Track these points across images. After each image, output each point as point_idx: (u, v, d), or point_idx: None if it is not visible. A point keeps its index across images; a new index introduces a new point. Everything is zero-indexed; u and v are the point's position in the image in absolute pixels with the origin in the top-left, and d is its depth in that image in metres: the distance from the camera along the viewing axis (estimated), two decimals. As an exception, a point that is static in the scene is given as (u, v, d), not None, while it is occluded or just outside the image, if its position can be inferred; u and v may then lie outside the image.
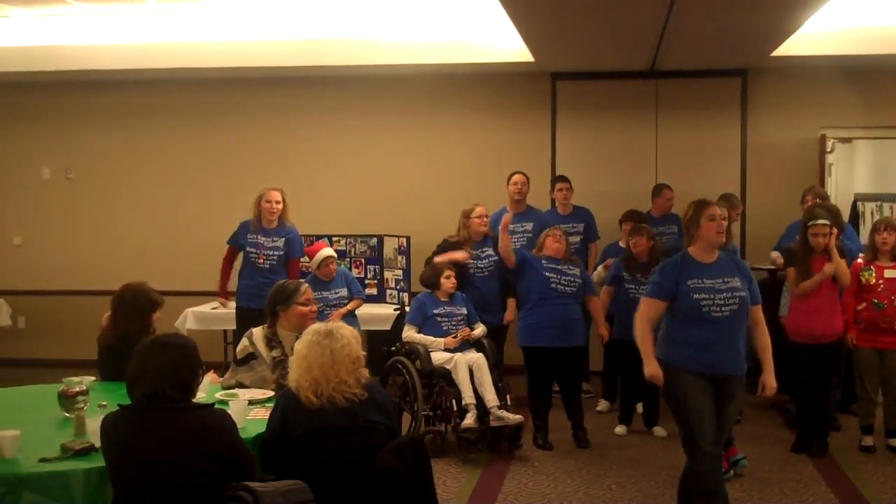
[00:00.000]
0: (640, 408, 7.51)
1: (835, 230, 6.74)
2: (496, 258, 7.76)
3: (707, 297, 4.95)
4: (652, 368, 4.98)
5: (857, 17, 8.33)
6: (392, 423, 4.34)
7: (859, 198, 10.97)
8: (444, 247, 7.70)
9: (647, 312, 5.07)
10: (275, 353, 5.21)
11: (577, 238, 8.51)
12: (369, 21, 8.89)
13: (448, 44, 8.86)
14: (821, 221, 6.75)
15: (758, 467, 6.63)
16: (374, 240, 9.27)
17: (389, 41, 8.90)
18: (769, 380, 5.08)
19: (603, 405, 8.09)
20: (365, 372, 4.31)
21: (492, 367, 6.90)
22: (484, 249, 7.74)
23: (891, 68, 8.93)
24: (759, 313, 5.15)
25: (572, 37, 7.72)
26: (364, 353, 4.37)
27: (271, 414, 4.23)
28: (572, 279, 7.07)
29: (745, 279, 5.08)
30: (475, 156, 9.61)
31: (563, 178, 8.70)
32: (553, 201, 8.89)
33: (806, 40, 8.29)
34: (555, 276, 7.03)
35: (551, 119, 9.59)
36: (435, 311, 7.10)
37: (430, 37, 8.87)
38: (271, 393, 4.94)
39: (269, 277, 7.46)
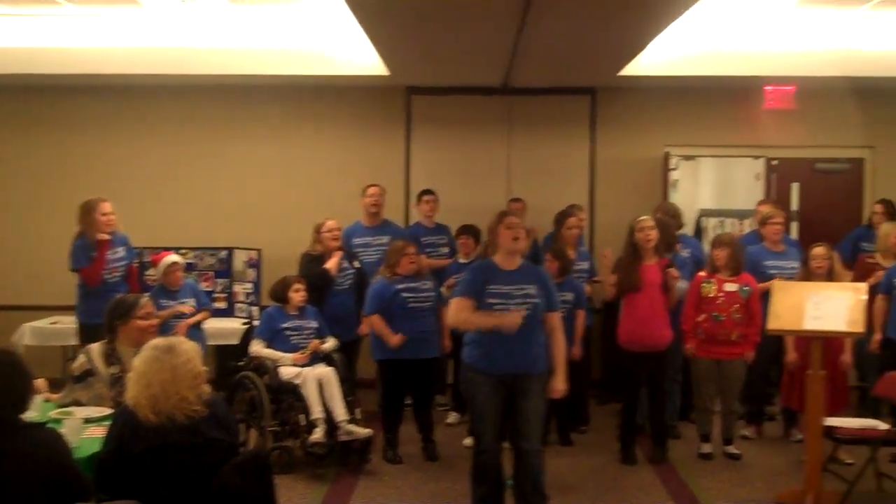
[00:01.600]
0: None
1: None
2: (352, 271, 7.74)
3: (500, 301, 5.30)
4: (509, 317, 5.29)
5: (699, 41, 8.65)
6: (234, 439, 4.26)
7: (703, 213, 11.39)
8: (308, 261, 7.64)
9: (459, 309, 5.40)
10: (113, 370, 5.04)
11: (445, 250, 8.56)
12: (218, 29, 8.70)
13: (301, 55, 8.77)
14: (644, 217, 7.05)
15: (600, 474, 6.81)
16: (224, 252, 9.11)
17: (241, 50, 8.74)
18: (558, 383, 5.46)
19: (453, 417, 8.15)
20: (206, 388, 4.21)
21: (342, 381, 6.86)
22: (340, 263, 7.72)
23: (730, 89, 9.30)
24: (556, 320, 5.51)
25: (426, 51, 7.78)
26: (207, 368, 4.28)
27: (108, 432, 4.09)
28: (427, 294, 7.10)
29: (543, 287, 5.42)
30: (329, 168, 9.56)
31: (430, 192, 8.73)
32: (406, 214, 8.93)
33: (651, 62, 8.57)
34: (411, 294, 7.04)
35: (406, 133, 9.64)
36: (284, 325, 7.03)
37: (283, 47, 8.75)
38: (109, 411, 4.78)
39: (117, 292, 7.22)
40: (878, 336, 7.31)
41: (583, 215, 8.52)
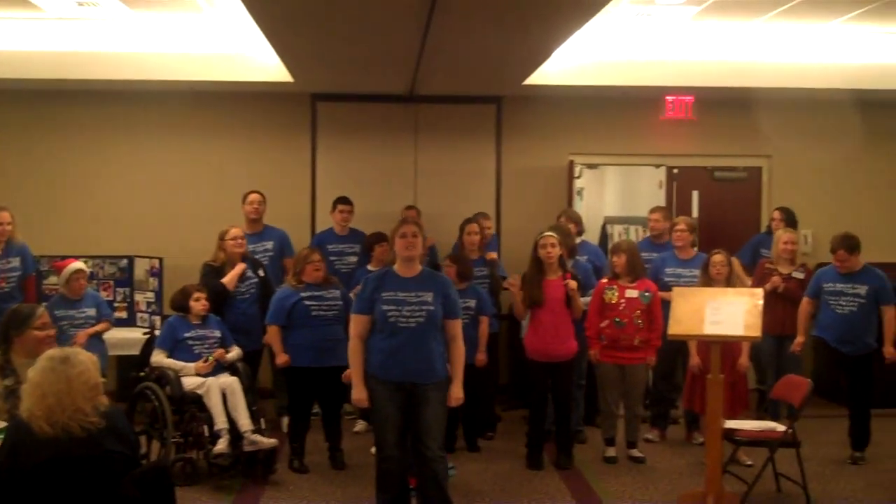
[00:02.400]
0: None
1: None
2: (256, 280, 7.66)
3: (395, 308, 5.35)
4: (357, 392, 5.46)
5: (601, 51, 8.79)
6: (133, 452, 4.16)
7: (608, 221, 11.57)
8: (207, 273, 7.54)
9: (354, 329, 5.52)
10: (7, 382, 4.87)
11: (354, 259, 8.51)
12: (117, 33, 8.51)
13: (203, 60, 8.64)
14: (548, 233, 7.11)
15: (507, 480, 6.84)
16: (125, 261, 8.90)
17: (140, 55, 8.55)
18: (456, 391, 5.52)
19: (361, 426, 8.10)
20: (104, 399, 4.10)
21: (246, 391, 6.77)
22: (244, 272, 7.64)
23: (632, 99, 9.47)
24: (456, 328, 5.55)
25: (330, 59, 7.73)
26: (107, 379, 4.18)
27: (0, 445, 3.96)
28: (333, 303, 7.05)
29: (440, 295, 5.45)
30: (233, 175, 9.41)
31: (346, 201, 8.67)
32: (312, 221, 8.85)
33: (555, 71, 8.68)
34: (315, 303, 6.99)
35: (311, 140, 9.57)
36: (186, 335, 6.91)
37: (184, 52, 8.60)
38: (3, 424, 4.63)
39: (8, 302, 7.00)
40: (800, 339, 7.48)
41: (487, 223, 8.54)
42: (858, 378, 7.24)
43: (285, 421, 7.53)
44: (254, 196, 8.36)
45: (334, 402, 7.19)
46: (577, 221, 8.30)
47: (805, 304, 7.49)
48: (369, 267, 7.94)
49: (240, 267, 7.53)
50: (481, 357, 7.42)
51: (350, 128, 9.58)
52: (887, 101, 9.45)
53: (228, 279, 7.44)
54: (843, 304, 7.27)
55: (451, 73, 8.29)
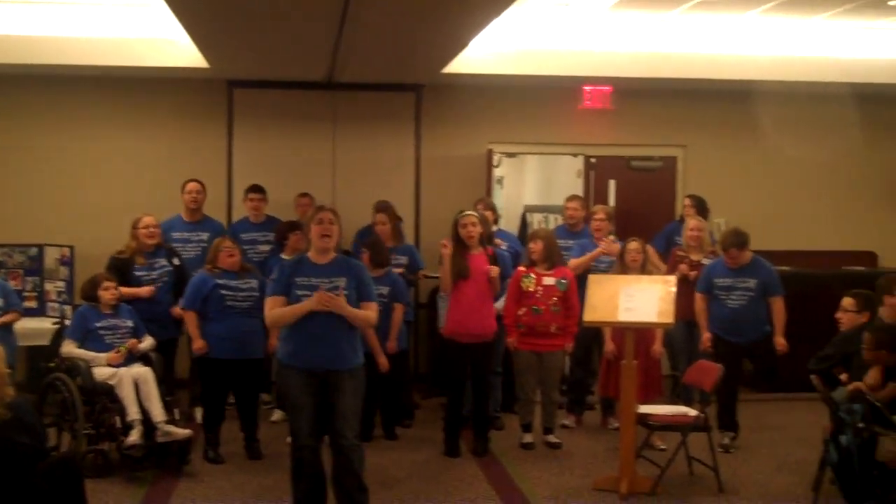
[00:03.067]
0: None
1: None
2: (170, 269, 7.55)
3: (308, 293, 5.30)
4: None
5: (520, 41, 8.83)
6: (41, 443, 4.10)
7: (528, 209, 11.65)
8: (116, 265, 7.40)
9: (269, 309, 5.45)
10: None
11: (268, 247, 8.43)
12: (30, 16, 8.29)
13: (116, 45, 8.45)
14: (468, 213, 7.16)
15: (424, 468, 6.86)
16: (34, 249, 8.69)
17: (52, 38, 8.33)
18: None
19: (278, 415, 8.03)
20: (10, 390, 4.03)
21: (160, 381, 6.67)
22: (157, 260, 7.53)
23: (551, 88, 9.53)
24: (372, 310, 5.53)
25: (246, 44, 7.63)
26: (14, 370, 4.10)
27: None
28: (249, 293, 6.97)
29: (354, 279, 5.44)
30: (147, 162, 9.26)
31: (257, 189, 8.58)
32: (228, 209, 8.75)
33: (474, 60, 8.70)
34: (230, 292, 6.91)
35: (228, 127, 9.43)
36: (98, 325, 6.78)
37: (97, 36, 8.40)
38: None
39: None
40: (706, 334, 7.56)
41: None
42: (759, 362, 7.36)
43: (200, 411, 7.44)
44: (192, 185, 8.24)
45: (250, 392, 7.12)
46: (494, 209, 8.35)
47: (699, 299, 7.59)
48: (283, 256, 7.86)
49: (145, 290, 7.38)
50: (392, 345, 7.40)
51: (267, 115, 9.47)
52: (799, 92, 9.65)
53: (127, 293, 7.28)
54: (734, 298, 7.39)
55: (369, 61, 8.25)
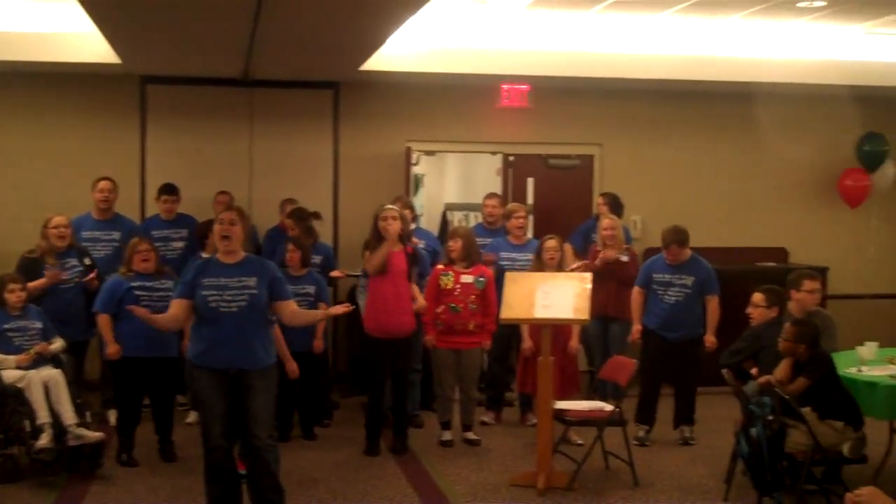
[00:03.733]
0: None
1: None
2: (81, 269, 7.39)
3: (216, 293, 5.24)
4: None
5: (439, 39, 8.82)
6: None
7: (449, 207, 11.67)
8: (26, 264, 7.21)
9: (171, 312, 5.43)
10: None
11: (181, 244, 8.31)
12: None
13: (24, 38, 8.21)
14: (388, 207, 7.18)
15: (343, 467, 6.83)
16: (-61, 250, 8.42)
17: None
18: (290, 365, 6.17)
19: (193, 416, 7.91)
20: None
21: (70, 384, 6.53)
22: (68, 260, 7.37)
23: (469, 87, 9.54)
24: (289, 307, 5.50)
25: (159, 40, 7.47)
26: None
27: None
28: (164, 293, 6.85)
29: (266, 279, 5.39)
30: (58, 161, 9.03)
31: (169, 190, 8.44)
32: (142, 208, 8.60)
33: (392, 57, 8.65)
34: (146, 293, 6.78)
35: (141, 124, 9.26)
36: (5, 327, 6.60)
37: (3, 30, 8.16)
38: None
39: None
40: (637, 326, 7.67)
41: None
42: (684, 360, 7.48)
43: (113, 414, 7.29)
44: (103, 183, 8.07)
45: (165, 393, 7.00)
46: (411, 207, 8.34)
47: (636, 293, 7.70)
48: (203, 255, 7.75)
49: (48, 275, 7.21)
50: (318, 344, 7.37)
51: (182, 112, 9.32)
52: (713, 91, 9.82)
53: (33, 286, 7.10)
54: (671, 294, 7.50)
55: (285, 58, 8.17)
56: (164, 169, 9.04)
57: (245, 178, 9.28)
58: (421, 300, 7.22)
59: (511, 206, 8.51)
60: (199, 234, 7.95)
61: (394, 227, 7.08)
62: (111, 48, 7.95)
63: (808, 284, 6.66)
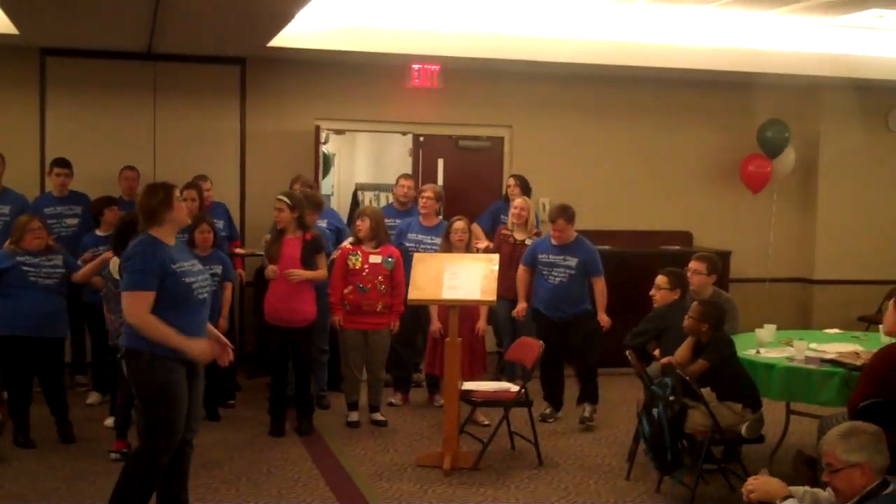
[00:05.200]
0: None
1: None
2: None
3: (194, 279, 4.85)
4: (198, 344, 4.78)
5: (349, 16, 8.71)
6: None
7: (359, 187, 11.61)
8: None
9: (144, 308, 4.65)
10: None
11: (75, 222, 8.10)
12: None
13: None
14: (279, 197, 7.12)
15: (248, 448, 6.76)
16: None
17: None
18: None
19: (94, 397, 7.74)
20: None
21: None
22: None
23: (380, 65, 9.47)
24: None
25: (58, 11, 7.22)
26: None
27: None
28: (53, 270, 6.66)
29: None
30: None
31: (62, 163, 8.23)
32: (42, 183, 8.35)
33: (301, 34, 8.50)
34: (33, 269, 6.59)
35: (40, 97, 8.97)
36: None
37: None
38: None
39: None
40: (521, 304, 7.72)
41: (207, 185, 8.26)
42: (575, 338, 7.53)
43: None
44: None
45: (54, 374, 6.78)
46: (312, 186, 8.28)
47: (521, 272, 7.75)
48: (98, 232, 7.55)
49: None
50: (223, 323, 7.26)
51: (83, 85, 9.05)
52: (621, 75, 9.92)
53: None
54: (556, 274, 7.55)
55: (190, 32, 7.99)
56: (64, 144, 8.78)
57: (149, 154, 9.05)
58: (307, 274, 7.06)
59: (423, 186, 8.50)
60: (94, 211, 7.72)
61: (282, 217, 7.01)
62: (8, 18, 7.67)
63: (691, 264, 6.83)
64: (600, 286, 7.56)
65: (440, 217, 8.29)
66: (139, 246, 4.76)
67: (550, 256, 7.59)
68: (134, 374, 4.76)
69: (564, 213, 7.52)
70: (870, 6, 8.40)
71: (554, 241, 7.57)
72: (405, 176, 8.83)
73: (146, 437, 4.83)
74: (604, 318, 7.52)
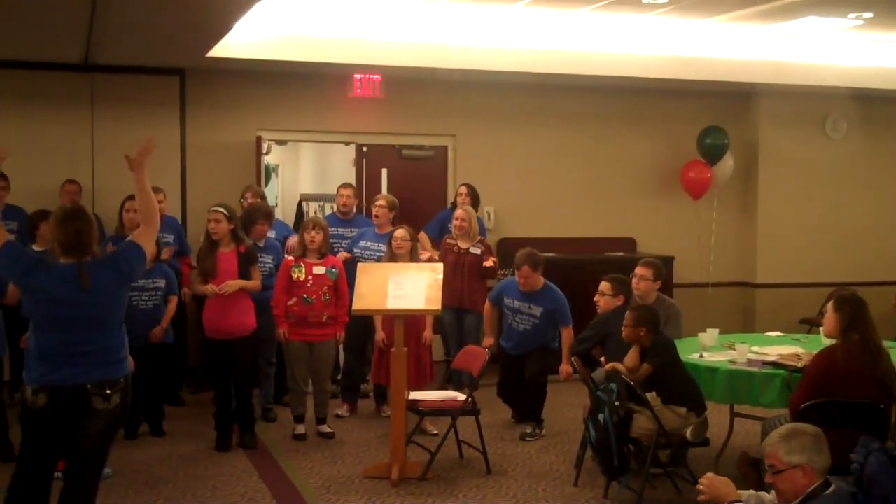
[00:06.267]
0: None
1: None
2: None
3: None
4: None
5: (289, 26, 8.65)
6: None
7: (304, 198, 11.53)
8: None
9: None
10: None
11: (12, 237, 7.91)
12: None
13: None
14: (215, 208, 7.07)
15: (193, 463, 6.67)
16: None
17: None
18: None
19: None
20: None
21: None
22: None
23: (322, 75, 9.42)
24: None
25: (-7, 22, 7.12)
26: None
27: None
28: None
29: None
30: None
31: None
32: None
33: (241, 44, 8.43)
34: None
35: (-25, 109, 8.82)
36: None
37: None
38: None
39: None
40: (489, 340, 7.73)
41: (160, 197, 8.10)
42: (535, 367, 7.50)
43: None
44: None
45: None
46: (263, 197, 8.24)
47: (488, 307, 7.79)
48: (34, 248, 7.40)
49: None
50: (158, 333, 7.14)
51: (19, 97, 8.87)
52: (562, 84, 9.98)
53: None
54: (520, 321, 7.53)
55: (128, 43, 7.88)
56: (0, 157, 8.60)
57: (87, 167, 8.92)
58: (240, 284, 6.99)
59: (376, 196, 8.46)
60: (30, 225, 7.59)
61: (219, 229, 6.96)
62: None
63: (637, 270, 6.89)
64: (567, 335, 7.40)
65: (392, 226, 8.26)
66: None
67: (516, 302, 7.53)
68: (128, 400, 4.60)
69: (529, 260, 7.42)
70: (806, 14, 8.55)
71: (520, 288, 7.53)
72: (344, 185, 8.78)
73: (104, 459, 4.74)
74: (565, 370, 7.30)
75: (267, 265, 7.55)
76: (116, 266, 4.58)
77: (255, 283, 7.09)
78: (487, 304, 7.79)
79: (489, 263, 8.06)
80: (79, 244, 4.51)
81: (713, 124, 10.37)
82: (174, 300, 7.33)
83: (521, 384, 7.51)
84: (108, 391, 4.47)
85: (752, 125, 10.92)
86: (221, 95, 9.42)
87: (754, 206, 11.01)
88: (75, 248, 4.51)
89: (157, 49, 8.28)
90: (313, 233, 7.33)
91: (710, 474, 4.00)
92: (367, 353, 8.11)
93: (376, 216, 8.11)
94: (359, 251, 7.94)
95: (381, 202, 8.16)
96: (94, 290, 4.46)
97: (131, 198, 7.60)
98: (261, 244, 7.62)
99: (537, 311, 7.47)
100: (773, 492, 3.90)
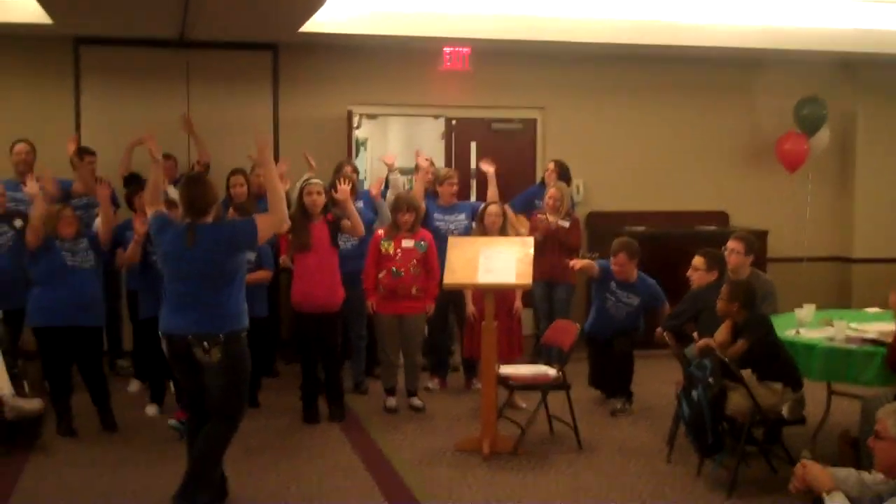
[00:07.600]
0: (172, 386, 7.30)
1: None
2: (12, 233, 7.21)
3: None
4: None
5: (380, 1, 8.69)
6: None
7: (393, 171, 11.56)
8: None
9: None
10: None
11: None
12: None
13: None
14: (313, 181, 7.12)
15: (286, 435, 6.80)
16: None
17: None
18: None
19: (135, 385, 7.81)
20: None
21: (5, 354, 6.38)
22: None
23: (411, 49, 9.42)
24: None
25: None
26: None
27: None
28: (85, 256, 6.71)
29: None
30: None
31: (90, 152, 8.24)
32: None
33: (333, 19, 8.49)
34: (70, 255, 6.64)
35: (75, 86, 9.03)
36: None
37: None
38: None
39: None
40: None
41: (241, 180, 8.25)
42: (624, 344, 7.46)
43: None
44: (20, 146, 7.90)
45: (93, 362, 6.82)
46: (357, 171, 8.40)
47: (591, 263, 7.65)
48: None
49: None
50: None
51: (117, 74, 9.10)
52: (655, 55, 9.82)
53: None
54: (618, 307, 7.46)
55: (223, 18, 7.98)
56: (100, 132, 8.85)
57: (183, 142, 9.09)
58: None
59: (444, 172, 8.46)
60: (127, 198, 7.83)
61: (319, 201, 7.03)
62: (42, 8, 7.71)
63: (729, 244, 6.77)
64: (665, 311, 7.36)
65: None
66: None
67: (615, 288, 7.49)
68: (235, 356, 5.09)
69: (627, 248, 7.39)
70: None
71: (616, 275, 7.47)
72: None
73: (235, 411, 5.21)
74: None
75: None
76: (222, 232, 5.14)
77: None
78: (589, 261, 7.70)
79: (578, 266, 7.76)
80: (193, 207, 5.11)
81: (810, 95, 10.11)
82: (261, 274, 7.37)
83: (611, 363, 7.48)
84: (206, 343, 4.99)
85: (850, 96, 10.61)
86: (313, 70, 9.50)
87: (852, 179, 10.73)
88: (191, 211, 5.12)
89: (252, 25, 8.38)
90: (407, 215, 7.35)
91: (806, 461, 3.94)
92: (450, 327, 8.13)
93: (446, 193, 8.15)
94: (440, 224, 8.01)
95: (453, 180, 8.19)
96: (197, 249, 5.02)
97: (234, 172, 7.82)
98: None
99: (635, 300, 7.45)
100: (873, 471, 3.86)
